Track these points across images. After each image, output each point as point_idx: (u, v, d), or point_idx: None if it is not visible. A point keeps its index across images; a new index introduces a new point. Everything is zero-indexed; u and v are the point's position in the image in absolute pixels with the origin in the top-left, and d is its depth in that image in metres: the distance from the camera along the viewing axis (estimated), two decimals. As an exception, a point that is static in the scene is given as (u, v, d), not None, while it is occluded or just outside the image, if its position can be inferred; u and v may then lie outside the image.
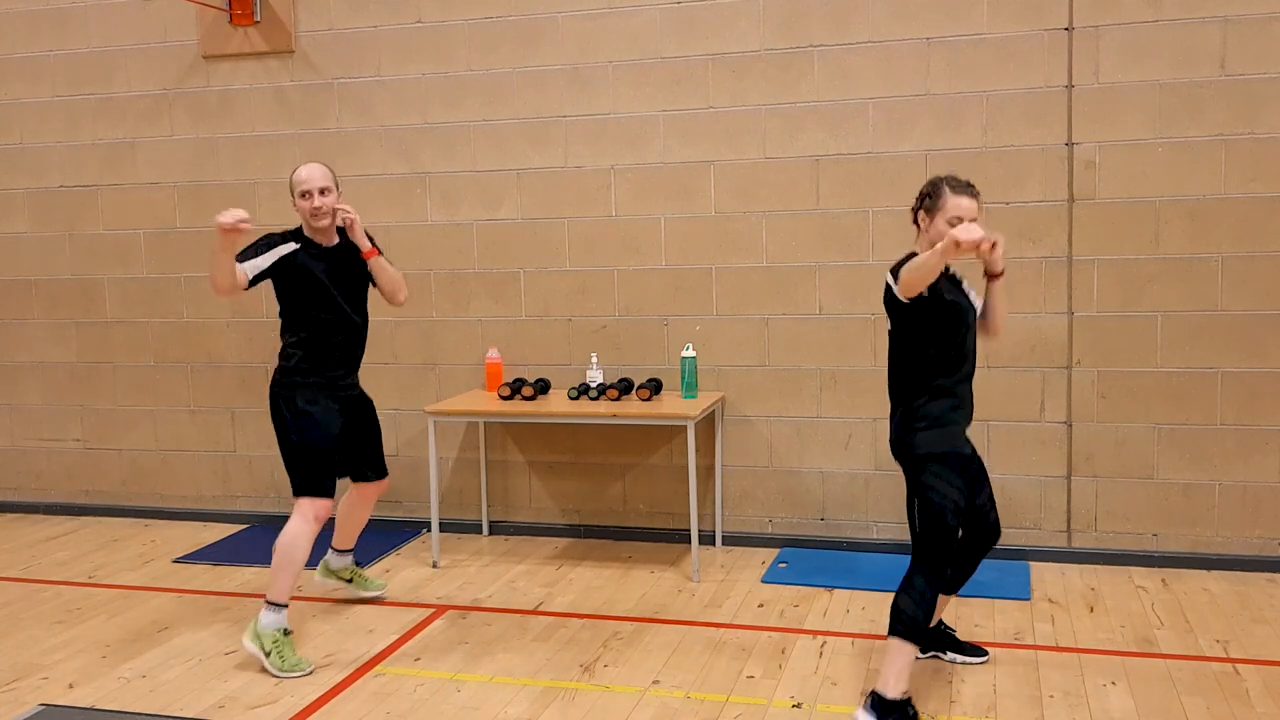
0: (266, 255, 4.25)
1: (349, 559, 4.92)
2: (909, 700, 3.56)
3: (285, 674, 4.13)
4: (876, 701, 3.55)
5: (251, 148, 6.12)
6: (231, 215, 3.90)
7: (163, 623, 4.79)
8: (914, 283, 3.49)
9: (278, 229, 6.11)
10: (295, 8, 5.95)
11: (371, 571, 5.31)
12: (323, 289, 4.33)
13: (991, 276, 3.78)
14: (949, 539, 3.61)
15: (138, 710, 3.92)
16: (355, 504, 4.77)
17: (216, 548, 5.90)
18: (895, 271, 3.62)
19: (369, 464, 4.69)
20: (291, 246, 4.30)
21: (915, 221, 3.74)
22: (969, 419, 3.78)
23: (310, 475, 4.30)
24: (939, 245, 3.36)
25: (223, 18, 6.02)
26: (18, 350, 6.66)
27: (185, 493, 6.48)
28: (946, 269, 3.77)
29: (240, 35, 6.02)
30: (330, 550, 4.90)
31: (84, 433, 6.62)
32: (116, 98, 6.30)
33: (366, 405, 4.64)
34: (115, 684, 4.15)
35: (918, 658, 3.89)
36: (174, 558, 5.74)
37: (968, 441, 3.79)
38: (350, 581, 4.93)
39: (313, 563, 5.33)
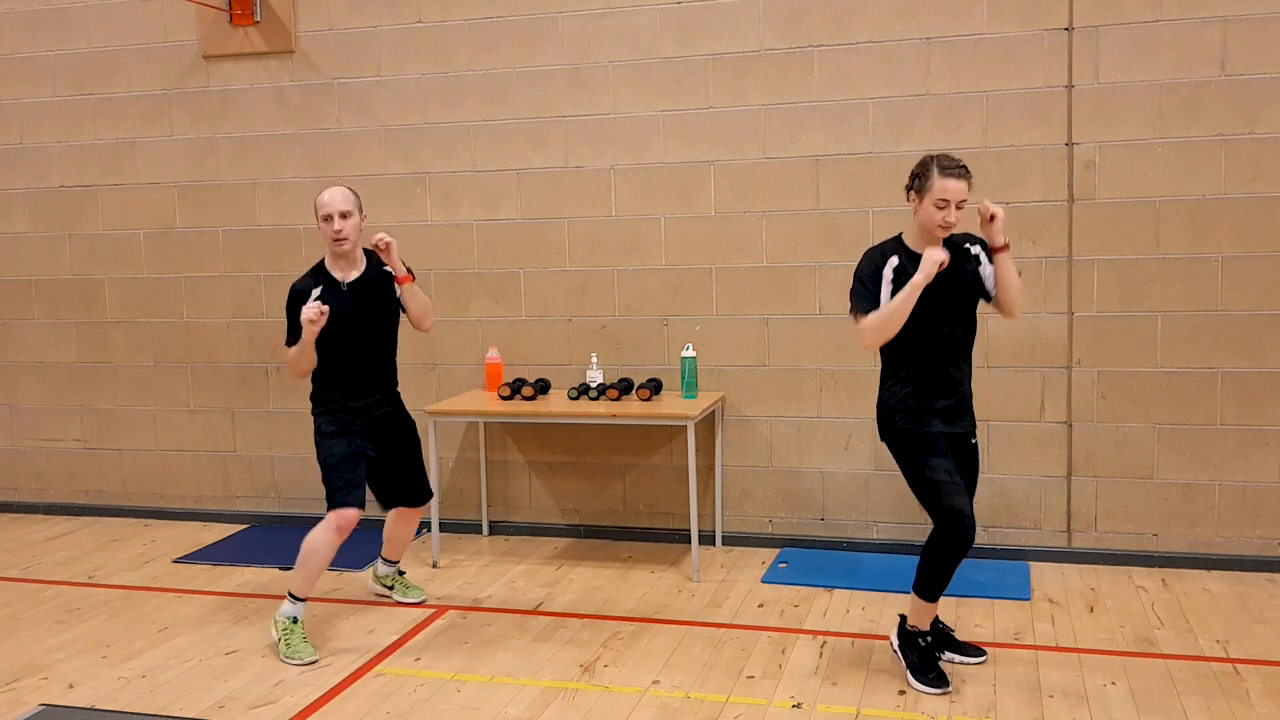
0: (300, 305, 4.30)
1: (393, 568, 5.04)
2: (925, 634, 3.96)
3: (288, 659, 4.29)
4: (903, 624, 4.01)
5: (251, 148, 6.12)
6: (314, 310, 4.14)
7: (163, 623, 4.79)
8: (878, 336, 3.75)
9: (279, 230, 6.14)
10: (295, 8, 5.95)
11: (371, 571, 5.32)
12: (342, 328, 4.37)
13: (994, 250, 3.83)
14: (940, 488, 3.78)
15: (138, 710, 3.92)
16: (396, 522, 4.87)
17: (216, 548, 5.90)
18: (855, 282, 3.82)
19: (408, 489, 4.73)
20: (315, 290, 4.35)
21: (909, 198, 3.83)
22: (947, 402, 3.84)
23: (334, 488, 4.39)
24: (902, 295, 3.65)
25: (223, 18, 6.02)
26: (18, 350, 6.66)
27: (185, 493, 6.48)
28: (961, 241, 3.84)
29: (240, 35, 6.02)
30: (379, 559, 5.04)
31: (84, 433, 6.62)
32: (116, 98, 6.30)
33: (403, 429, 4.66)
34: (115, 684, 4.16)
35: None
36: (174, 558, 5.74)
37: (945, 421, 3.84)
38: (392, 589, 5.03)
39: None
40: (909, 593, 3.98)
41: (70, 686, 4.14)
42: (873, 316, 3.74)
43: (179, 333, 6.36)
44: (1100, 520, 5.21)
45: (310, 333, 4.22)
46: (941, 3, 5.14)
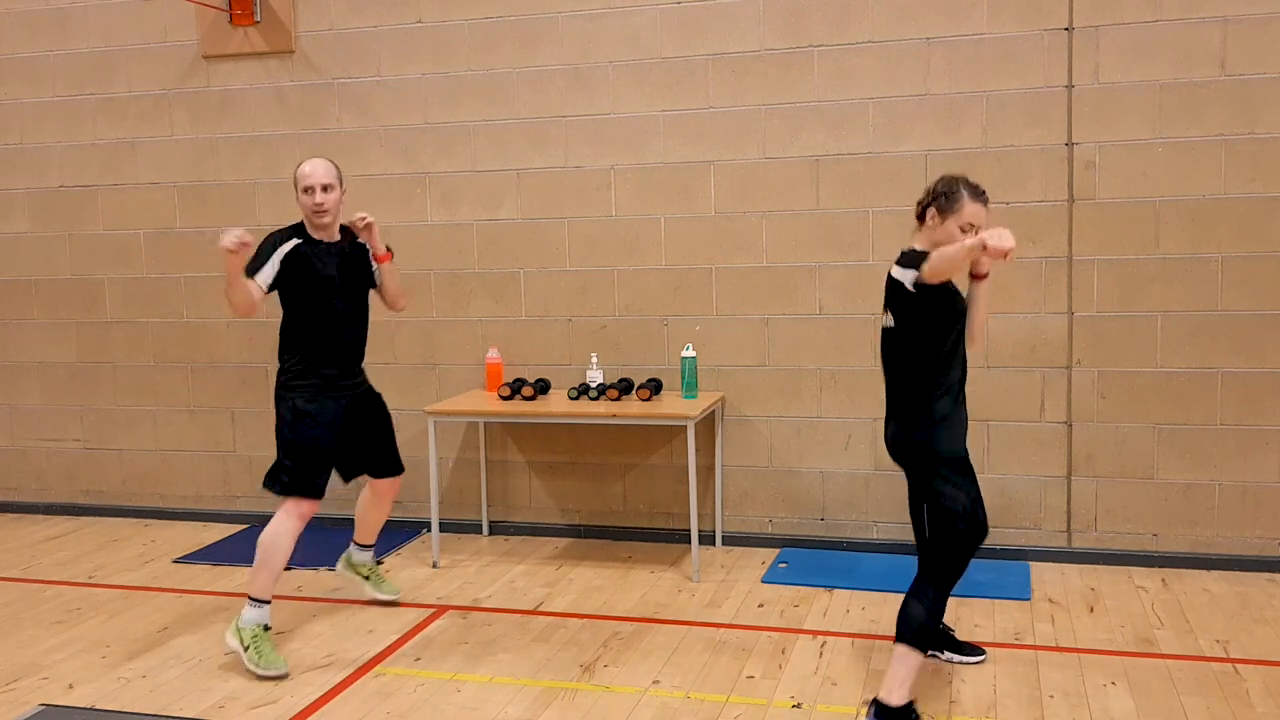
0: (272, 260, 4.21)
1: (369, 555, 4.88)
2: (912, 705, 3.53)
3: (262, 671, 4.10)
4: (880, 710, 3.51)
5: (251, 148, 6.12)
6: (232, 237, 3.87)
7: (163, 623, 4.79)
8: (942, 271, 3.35)
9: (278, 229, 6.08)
10: (295, 8, 5.95)
11: (371, 571, 5.33)
12: (323, 285, 4.30)
13: (976, 277, 3.69)
14: (959, 545, 3.55)
15: (138, 710, 3.92)
16: (370, 500, 4.73)
17: (216, 548, 5.90)
18: (905, 265, 3.50)
19: (381, 460, 4.64)
20: (293, 242, 4.28)
21: (920, 216, 3.63)
22: (967, 419, 3.71)
23: (300, 474, 4.25)
24: (968, 242, 3.23)
25: (223, 18, 6.02)
26: (18, 350, 6.66)
27: (185, 493, 6.48)
28: None
29: (240, 35, 6.03)
30: (352, 544, 4.87)
31: (84, 433, 6.62)
32: (116, 98, 6.30)
33: (374, 401, 4.60)
34: (115, 684, 4.15)
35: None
36: (174, 558, 5.74)
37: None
38: (368, 579, 4.87)
39: (325, 561, 5.34)
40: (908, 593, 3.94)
41: (70, 686, 4.14)
42: (941, 252, 3.37)
43: (179, 333, 6.36)
44: (1100, 520, 5.21)
45: (231, 263, 3.95)
46: (941, 3, 5.14)
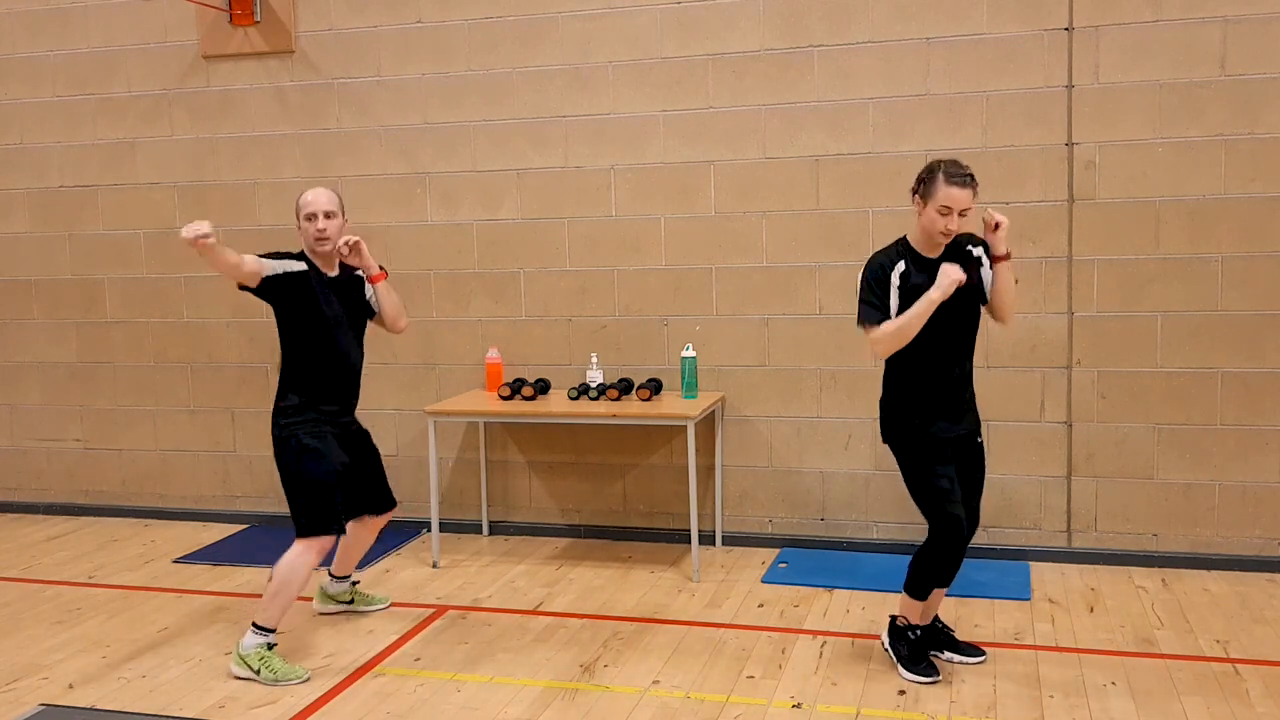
0: (280, 261, 4.18)
1: (345, 584, 4.81)
2: (918, 628, 4.01)
3: (284, 684, 4.06)
4: (893, 623, 4.06)
5: (251, 148, 6.12)
6: (192, 230, 3.73)
7: (163, 623, 4.79)
8: (891, 347, 3.78)
9: (279, 230, 6.14)
10: (295, 8, 5.95)
11: (372, 571, 5.32)
12: (324, 321, 4.24)
13: (995, 259, 3.83)
14: (941, 496, 3.81)
15: (138, 710, 3.92)
16: (359, 532, 4.65)
17: (216, 548, 5.90)
18: (864, 290, 3.81)
19: (374, 497, 4.59)
20: (302, 266, 4.23)
21: (913, 201, 3.83)
22: (950, 403, 3.88)
23: (317, 512, 4.18)
24: (917, 309, 3.67)
25: (223, 18, 6.02)
26: (18, 350, 6.66)
27: (185, 493, 6.48)
28: (964, 243, 3.84)
29: (240, 35, 6.03)
30: (328, 576, 4.80)
31: (84, 433, 6.62)
32: (116, 98, 6.30)
33: (364, 438, 4.54)
34: (115, 684, 4.16)
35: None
36: (174, 558, 5.74)
37: (952, 426, 3.88)
38: (351, 603, 4.83)
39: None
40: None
41: (70, 686, 4.14)
42: (885, 328, 3.75)
43: (179, 333, 6.36)
44: (1100, 520, 5.21)
45: (204, 253, 3.79)
46: (941, 3, 5.14)
